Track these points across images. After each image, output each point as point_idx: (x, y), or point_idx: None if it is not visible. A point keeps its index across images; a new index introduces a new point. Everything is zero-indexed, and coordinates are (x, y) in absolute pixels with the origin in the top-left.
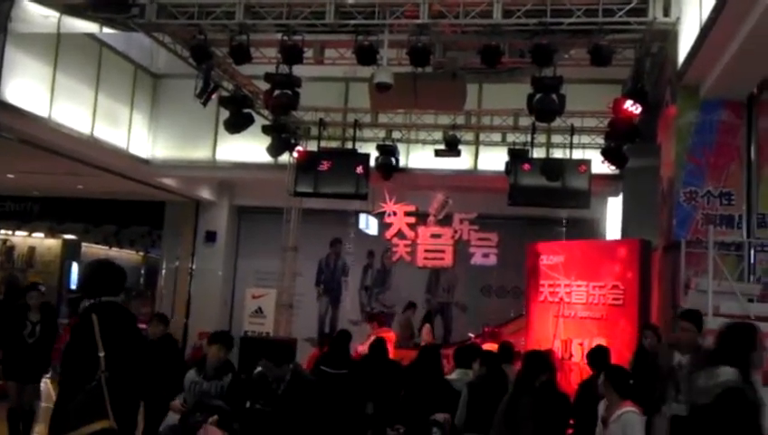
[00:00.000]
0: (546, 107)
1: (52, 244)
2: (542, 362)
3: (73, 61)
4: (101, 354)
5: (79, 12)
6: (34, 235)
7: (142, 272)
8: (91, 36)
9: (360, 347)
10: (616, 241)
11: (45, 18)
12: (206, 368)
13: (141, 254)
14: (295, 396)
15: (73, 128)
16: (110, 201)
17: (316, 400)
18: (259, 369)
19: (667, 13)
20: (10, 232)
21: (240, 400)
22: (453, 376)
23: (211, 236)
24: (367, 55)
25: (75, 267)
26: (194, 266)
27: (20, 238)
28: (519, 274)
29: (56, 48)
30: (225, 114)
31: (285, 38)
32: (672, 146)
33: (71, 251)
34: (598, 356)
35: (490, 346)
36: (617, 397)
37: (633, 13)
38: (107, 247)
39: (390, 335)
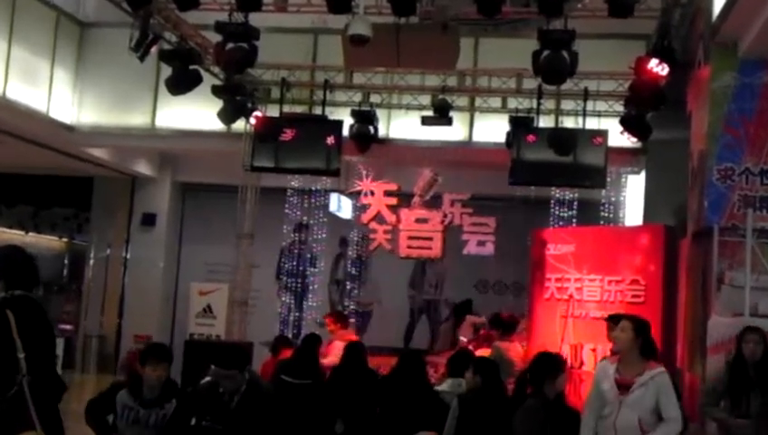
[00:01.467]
0: (555, 66)
1: None
2: (554, 365)
3: None
4: (21, 356)
5: None
6: None
7: (66, 262)
8: None
9: (324, 359)
10: (636, 227)
11: None
12: (144, 391)
13: (65, 240)
14: (251, 411)
15: None
16: (26, 177)
17: (275, 415)
18: (207, 379)
19: None
20: None
21: (184, 417)
22: (443, 387)
23: (149, 220)
24: (339, 1)
25: None
26: (128, 256)
27: None
28: (521, 266)
29: None
30: (167, 71)
31: None
32: (705, 114)
33: None
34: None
35: (485, 352)
36: (639, 358)
37: None
38: (22, 232)
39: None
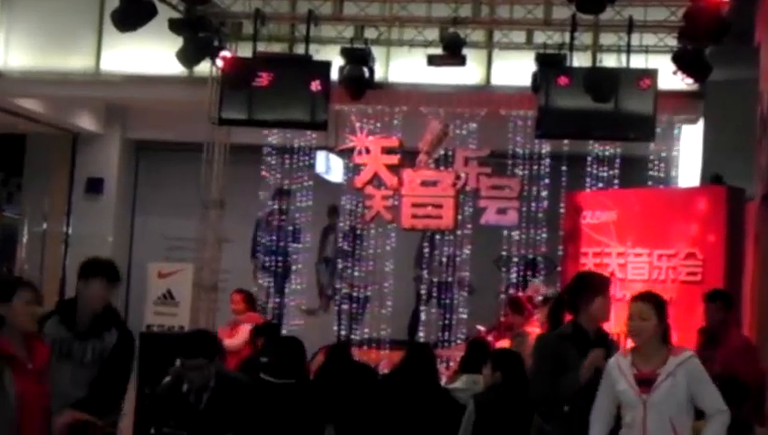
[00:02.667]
0: None
1: None
2: (587, 284)
3: None
4: None
5: None
6: None
7: None
8: None
9: (228, 340)
10: (693, 189)
11: None
12: (78, 318)
13: None
14: (224, 410)
15: None
16: None
17: (254, 415)
18: (168, 378)
19: None
20: None
21: (144, 423)
22: (457, 384)
23: (95, 186)
24: None
25: None
26: (70, 230)
27: None
28: (551, 238)
29: None
30: (113, 3)
31: None
32: None
33: None
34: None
35: (506, 344)
36: (659, 345)
37: None
38: None
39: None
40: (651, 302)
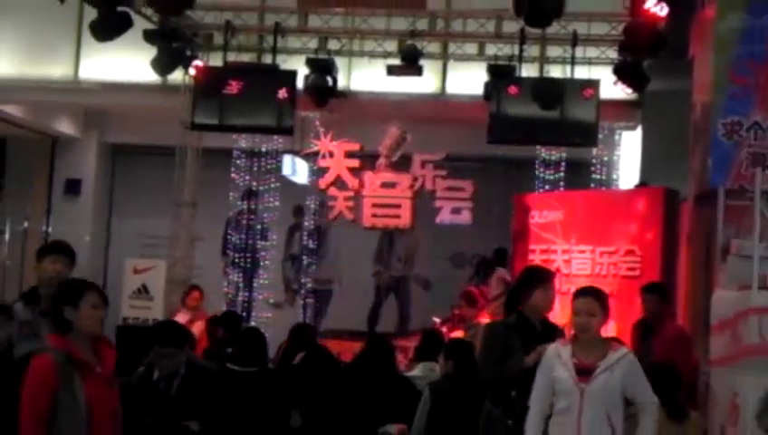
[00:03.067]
0: (539, 6)
1: None
2: (530, 277)
3: None
4: None
5: None
6: None
7: None
8: None
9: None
10: (632, 191)
11: None
12: (42, 297)
13: None
14: (195, 396)
15: None
16: None
17: (222, 400)
18: (141, 369)
19: None
20: None
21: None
22: (415, 372)
23: (73, 187)
24: None
25: None
26: (50, 229)
27: None
28: (502, 236)
29: None
30: (91, 14)
31: None
32: (709, 61)
33: None
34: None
35: (461, 334)
36: (600, 339)
37: None
38: None
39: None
40: (597, 298)
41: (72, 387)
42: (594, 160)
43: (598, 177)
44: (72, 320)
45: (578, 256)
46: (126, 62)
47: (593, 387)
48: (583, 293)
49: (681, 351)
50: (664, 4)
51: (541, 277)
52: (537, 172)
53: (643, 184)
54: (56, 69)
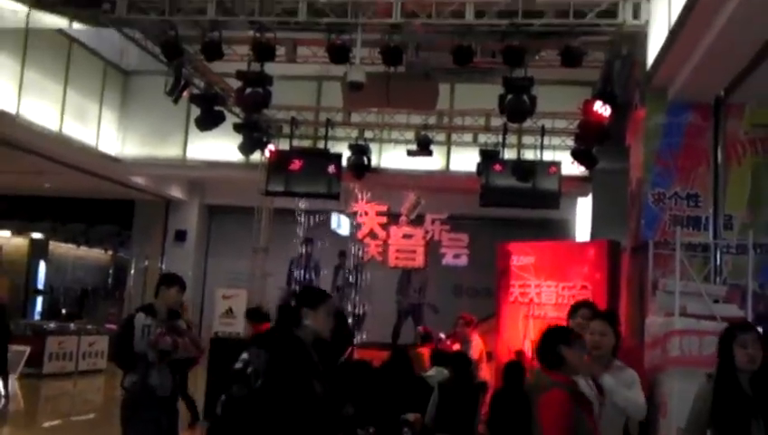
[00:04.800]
0: (517, 108)
1: (19, 242)
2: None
3: (42, 56)
4: None
5: (49, 6)
6: (1, 233)
7: (110, 272)
8: (61, 32)
9: None
10: (585, 242)
11: (14, 13)
12: (158, 311)
13: (110, 253)
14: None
15: (41, 124)
16: (78, 199)
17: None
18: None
19: (636, 16)
20: None
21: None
22: (430, 372)
23: (181, 236)
24: (339, 54)
25: (43, 266)
26: (163, 266)
27: None
28: (490, 274)
29: (24, 43)
30: (196, 112)
31: (257, 35)
32: (641, 148)
33: (38, 250)
34: (514, 372)
35: (458, 347)
36: (609, 356)
37: (604, 15)
38: (75, 246)
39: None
40: (609, 320)
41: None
42: (557, 219)
43: (560, 231)
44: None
45: (545, 290)
46: (220, 146)
47: (607, 401)
48: (598, 315)
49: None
50: (608, 107)
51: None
52: (516, 227)
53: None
54: (170, 150)
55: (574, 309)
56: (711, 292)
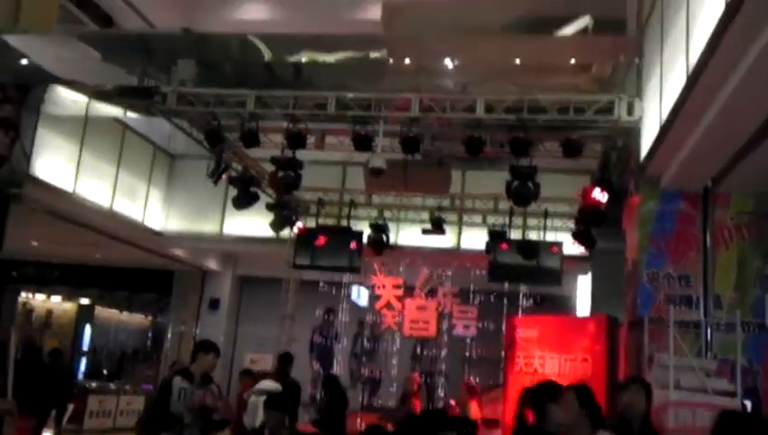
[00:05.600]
0: (523, 193)
1: (68, 307)
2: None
3: (98, 140)
4: None
5: (106, 97)
6: (52, 298)
7: (149, 335)
8: (116, 119)
9: None
10: (585, 317)
11: (75, 102)
12: (194, 375)
13: (150, 318)
14: None
15: (95, 201)
16: (123, 269)
17: None
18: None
19: (631, 112)
20: (30, 295)
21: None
22: None
23: (215, 304)
24: (363, 143)
25: (89, 329)
26: (198, 331)
27: (39, 302)
28: (497, 344)
29: (83, 129)
30: (233, 192)
31: (290, 126)
32: (635, 232)
33: (85, 314)
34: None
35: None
36: (589, 429)
37: (601, 112)
38: (118, 311)
39: None
40: (574, 390)
41: None
42: (559, 295)
43: (563, 305)
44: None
45: (549, 361)
46: (253, 223)
47: None
48: (559, 386)
49: None
50: (605, 193)
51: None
52: (521, 302)
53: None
54: (208, 226)
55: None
56: (703, 366)
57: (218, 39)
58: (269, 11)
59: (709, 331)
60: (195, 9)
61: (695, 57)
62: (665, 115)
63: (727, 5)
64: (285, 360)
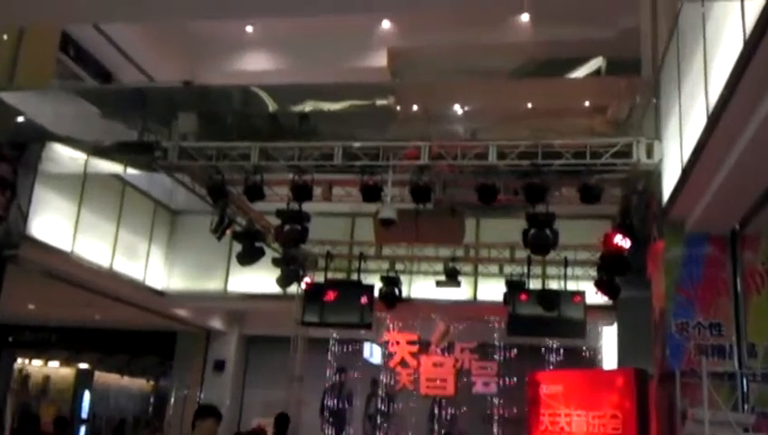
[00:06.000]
0: (540, 241)
1: (66, 372)
2: None
3: (97, 198)
4: None
5: (105, 153)
6: (50, 363)
7: (152, 400)
8: (115, 176)
9: None
10: (613, 371)
11: (73, 159)
12: None
13: (152, 383)
14: None
15: (94, 261)
16: (123, 331)
17: None
18: None
19: (650, 154)
20: (27, 361)
21: None
22: None
23: (220, 365)
24: (372, 193)
25: (87, 396)
26: (202, 395)
27: (35, 367)
28: (520, 402)
29: (82, 186)
30: (237, 247)
31: (296, 177)
32: (661, 279)
33: (84, 380)
34: None
35: None
36: None
37: (619, 155)
38: (119, 376)
39: None
40: None
41: None
42: (584, 347)
43: (587, 359)
44: None
45: (576, 419)
46: (259, 280)
47: None
48: None
49: None
50: (627, 239)
51: None
52: (543, 356)
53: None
54: (212, 284)
55: None
56: (740, 421)
57: (220, 91)
58: (271, 61)
59: (745, 382)
60: (195, 61)
61: (714, 96)
62: (686, 156)
63: (746, 43)
64: (282, 422)
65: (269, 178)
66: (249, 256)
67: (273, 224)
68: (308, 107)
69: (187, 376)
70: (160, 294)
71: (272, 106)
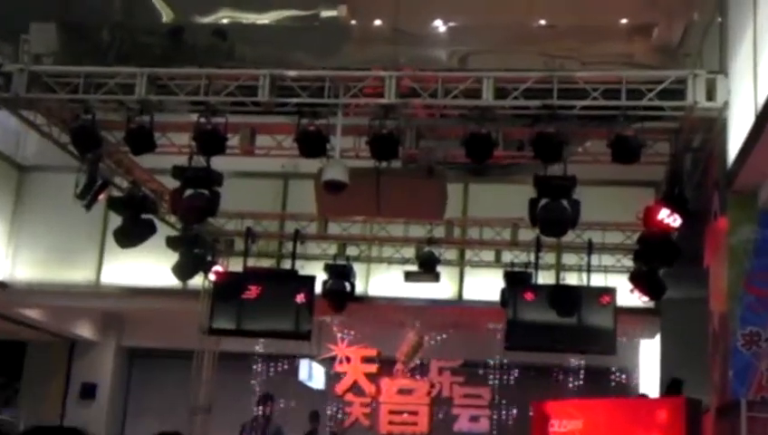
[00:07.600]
0: (554, 217)
1: None
2: None
3: None
4: None
5: None
6: None
7: None
8: None
9: None
10: (653, 400)
11: None
12: None
13: None
14: None
15: None
16: None
17: None
18: None
19: (711, 96)
20: None
21: None
22: None
23: (89, 391)
24: (313, 144)
25: None
26: None
27: None
28: None
29: None
30: (116, 221)
31: (203, 120)
32: (724, 271)
33: None
34: None
35: None
36: None
37: (667, 95)
38: None
39: None
40: None
41: None
42: (613, 368)
43: (617, 385)
44: None
45: None
46: (147, 268)
47: None
48: None
49: None
50: (676, 215)
51: None
52: (555, 379)
53: (676, 383)
54: (78, 274)
55: None
56: None
57: None
58: None
59: None
60: None
61: None
62: (762, 99)
63: None
64: None
65: (162, 121)
66: (132, 234)
67: (169, 187)
68: (222, 19)
69: (41, 406)
70: (1, 286)
71: (168, 15)
